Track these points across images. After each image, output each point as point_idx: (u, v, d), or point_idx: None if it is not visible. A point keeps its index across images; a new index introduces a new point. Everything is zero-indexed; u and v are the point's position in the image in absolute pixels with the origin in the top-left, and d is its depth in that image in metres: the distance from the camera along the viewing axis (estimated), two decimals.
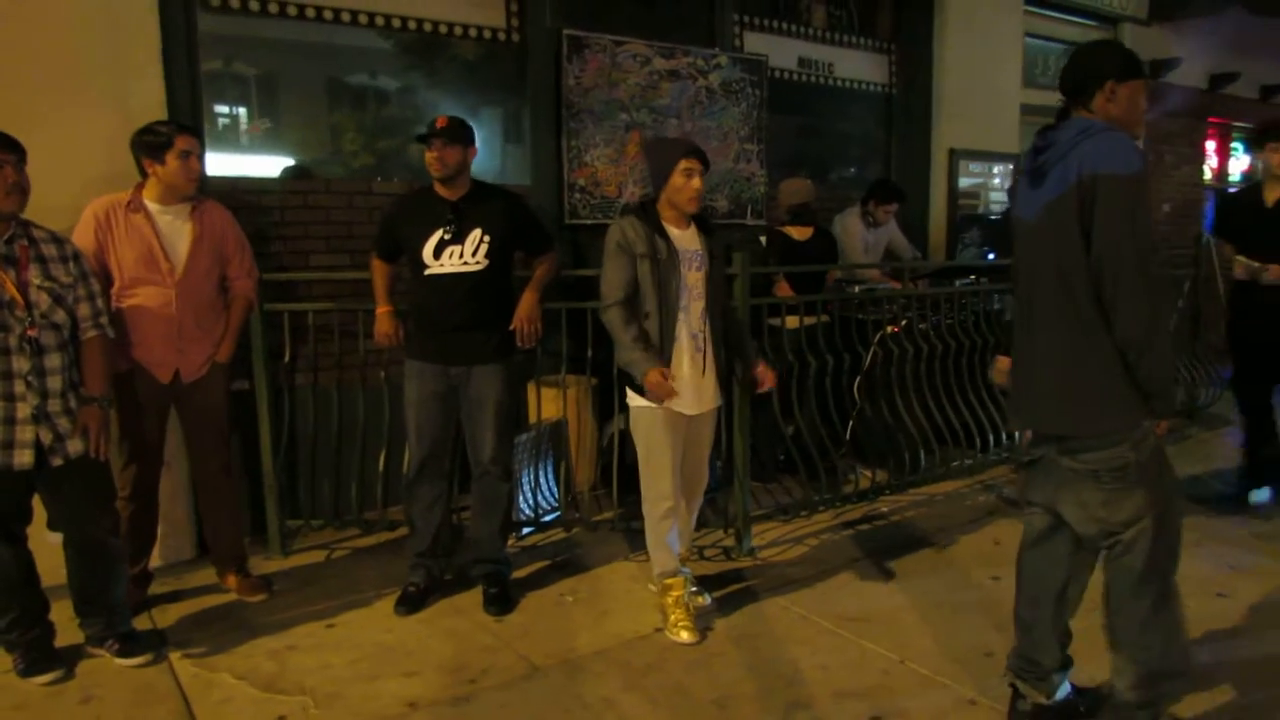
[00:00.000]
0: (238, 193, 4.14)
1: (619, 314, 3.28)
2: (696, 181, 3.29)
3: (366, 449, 4.36)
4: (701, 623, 3.40)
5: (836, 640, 3.30)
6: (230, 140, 4.48)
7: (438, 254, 3.46)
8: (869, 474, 4.93)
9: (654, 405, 3.29)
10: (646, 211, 3.36)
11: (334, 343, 4.31)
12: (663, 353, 3.28)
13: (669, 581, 3.42)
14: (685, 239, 3.37)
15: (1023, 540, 2.71)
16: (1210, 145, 9.71)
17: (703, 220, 3.48)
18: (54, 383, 2.97)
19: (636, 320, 3.28)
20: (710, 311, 3.39)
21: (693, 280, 3.35)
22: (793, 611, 3.52)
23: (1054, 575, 2.63)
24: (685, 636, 3.30)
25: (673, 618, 3.36)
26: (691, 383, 3.35)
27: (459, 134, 3.44)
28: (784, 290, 4.83)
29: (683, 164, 3.28)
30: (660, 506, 3.39)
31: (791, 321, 4.75)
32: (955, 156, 6.91)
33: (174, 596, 3.74)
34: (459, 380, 3.54)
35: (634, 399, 3.38)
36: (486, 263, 3.48)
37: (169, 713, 2.87)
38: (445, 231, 3.45)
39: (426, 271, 3.48)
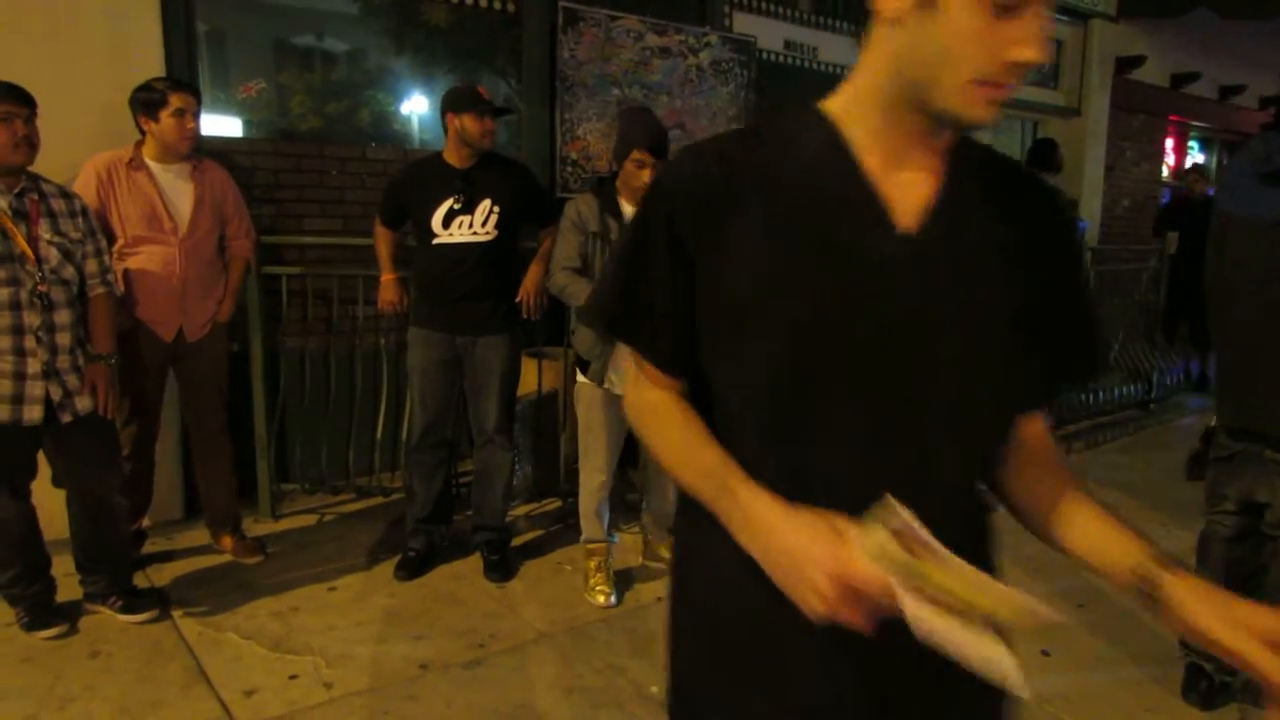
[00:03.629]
0: (230, 154, 4.09)
1: (566, 273, 3.32)
2: (646, 174, 3.22)
3: (362, 415, 4.37)
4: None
5: None
6: (223, 101, 4.42)
7: (447, 223, 3.46)
8: None
9: (595, 384, 3.36)
10: (602, 188, 3.39)
11: (332, 308, 4.29)
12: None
13: (592, 547, 3.55)
14: None
15: (1211, 535, 2.85)
16: (1169, 143, 9.95)
17: None
18: (63, 339, 2.95)
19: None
20: None
21: None
22: None
23: (1249, 564, 2.77)
24: (601, 600, 3.43)
25: (591, 581, 3.49)
26: None
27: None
28: None
29: (635, 154, 3.23)
30: (595, 480, 3.49)
31: None
32: None
33: (166, 556, 3.73)
34: (464, 349, 3.56)
35: (580, 375, 3.45)
36: (496, 233, 3.48)
37: (181, 669, 2.88)
38: (455, 201, 3.45)
39: (435, 241, 3.47)
